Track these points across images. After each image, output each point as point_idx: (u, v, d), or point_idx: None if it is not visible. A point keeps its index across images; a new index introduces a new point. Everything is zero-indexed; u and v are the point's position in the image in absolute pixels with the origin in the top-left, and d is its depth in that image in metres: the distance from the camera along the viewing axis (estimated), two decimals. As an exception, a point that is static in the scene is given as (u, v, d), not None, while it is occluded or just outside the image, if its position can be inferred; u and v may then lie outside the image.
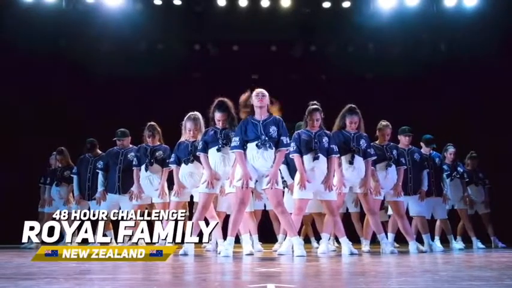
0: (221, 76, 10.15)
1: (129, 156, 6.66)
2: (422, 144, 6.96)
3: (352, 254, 5.50)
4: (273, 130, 5.03)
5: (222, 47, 10.35)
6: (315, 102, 5.71)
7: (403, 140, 6.54)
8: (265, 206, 7.00)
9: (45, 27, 9.41)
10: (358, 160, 5.76)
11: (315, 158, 5.40)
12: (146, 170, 6.24)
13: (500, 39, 9.30)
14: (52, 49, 9.60)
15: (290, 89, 10.23)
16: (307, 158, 5.44)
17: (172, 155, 5.85)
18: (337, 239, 6.61)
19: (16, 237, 7.94)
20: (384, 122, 6.32)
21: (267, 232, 7.34)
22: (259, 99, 5.09)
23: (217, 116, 5.44)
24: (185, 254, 5.32)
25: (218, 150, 5.33)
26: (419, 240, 6.55)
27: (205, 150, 5.40)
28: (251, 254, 5.38)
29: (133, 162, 6.38)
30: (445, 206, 7.01)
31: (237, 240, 5.58)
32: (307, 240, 7.34)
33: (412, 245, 6.10)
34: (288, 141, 5.13)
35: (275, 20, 9.81)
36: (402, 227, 6.13)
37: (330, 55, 10.23)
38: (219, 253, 5.24)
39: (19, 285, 2.75)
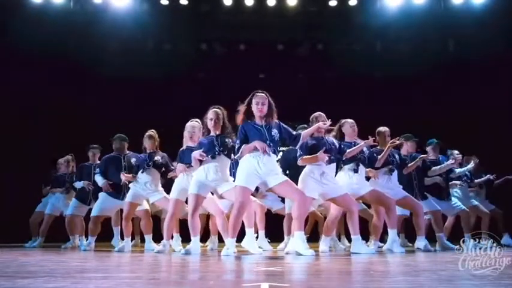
0: (228, 75, 10.17)
1: (132, 161, 6.66)
2: (430, 149, 6.89)
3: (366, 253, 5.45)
4: (275, 133, 5.04)
5: (229, 46, 10.37)
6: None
7: (408, 147, 6.50)
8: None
9: (53, 27, 9.48)
10: (362, 169, 5.78)
11: (331, 161, 5.37)
12: (142, 172, 6.30)
13: (509, 36, 9.21)
14: (59, 49, 9.67)
15: (297, 88, 10.23)
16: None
17: (179, 164, 5.88)
18: (348, 237, 6.58)
19: (23, 237, 8.12)
20: (382, 127, 6.26)
21: (273, 231, 7.32)
22: (259, 109, 5.03)
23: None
24: (187, 253, 5.34)
25: (213, 157, 5.33)
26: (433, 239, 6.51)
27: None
28: (258, 253, 5.36)
29: (134, 168, 6.46)
30: (454, 206, 6.90)
31: (239, 240, 5.58)
32: (310, 239, 7.33)
33: (421, 241, 6.06)
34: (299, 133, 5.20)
35: (281, 19, 9.82)
36: (415, 220, 6.07)
37: (336, 54, 10.21)
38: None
39: (17, 283, 2.77)
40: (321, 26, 10.16)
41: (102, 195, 6.79)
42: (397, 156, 6.15)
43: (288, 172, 6.03)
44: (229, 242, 5.06)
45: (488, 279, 2.87)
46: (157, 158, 6.35)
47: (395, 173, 6.06)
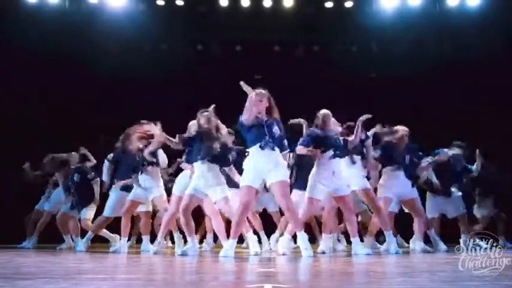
0: (224, 76, 10.14)
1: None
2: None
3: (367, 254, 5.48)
4: (275, 130, 5.04)
5: (225, 47, 10.34)
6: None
7: None
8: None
9: (49, 28, 9.44)
10: (358, 160, 5.85)
11: (336, 156, 5.38)
12: (141, 173, 6.29)
13: (504, 38, 9.26)
14: (56, 50, 9.63)
15: (293, 89, 10.22)
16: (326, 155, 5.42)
17: (185, 164, 5.90)
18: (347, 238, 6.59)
19: (14, 237, 8.06)
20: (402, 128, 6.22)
21: (269, 232, 7.31)
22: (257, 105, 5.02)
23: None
24: (183, 254, 5.33)
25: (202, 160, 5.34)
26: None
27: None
28: (257, 254, 5.35)
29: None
30: (457, 204, 6.87)
31: (241, 241, 5.59)
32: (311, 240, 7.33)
33: (418, 243, 6.09)
34: (287, 144, 5.18)
35: (278, 20, 9.79)
36: (417, 224, 6.13)
37: (332, 55, 10.22)
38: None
39: (16, 285, 2.76)
40: (317, 27, 10.16)
41: (113, 192, 6.74)
42: (407, 156, 6.15)
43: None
44: (230, 243, 5.02)
45: (488, 280, 2.89)
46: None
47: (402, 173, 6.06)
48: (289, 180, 5.14)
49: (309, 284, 2.91)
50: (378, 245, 6.46)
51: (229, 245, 5.02)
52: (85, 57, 9.64)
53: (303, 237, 5.02)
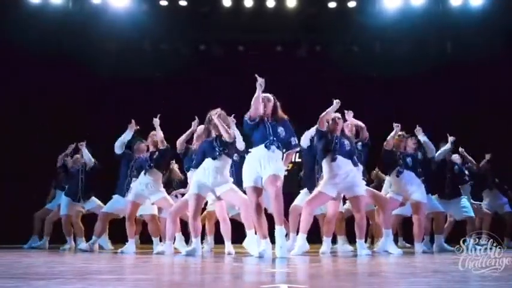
0: (226, 77, 10.15)
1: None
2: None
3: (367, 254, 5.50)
4: (281, 131, 4.98)
5: (227, 47, 10.35)
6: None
7: (410, 144, 6.53)
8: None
9: (52, 28, 9.45)
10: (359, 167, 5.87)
11: (333, 160, 5.42)
12: (145, 174, 6.26)
13: (505, 38, 9.30)
14: (58, 49, 9.63)
15: (295, 89, 10.23)
16: (326, 160, 5.48)
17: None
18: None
19: (18, 238, 8.04)
20: (405, 134, 6.28)
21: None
22: (263, 108, 4.99)
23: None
24: (189, 255, 5.31)
25: (214, 158, 5.34)
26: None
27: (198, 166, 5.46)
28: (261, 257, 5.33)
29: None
30: (463, 210, 6.77)
31: (239, 241, 5.59)
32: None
33: (419, 246, 6.12)
34: (296, 142, 5.15)
35: (280, 20, 9.81)
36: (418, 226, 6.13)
37: (335, 55, 10.24)
38: (229, 253, 5.51)
39: (31, 285, 2.75)
40: (320, 27, 10.19)
41: (115, 196, 6.70)
42: (409, 159, 6.15)
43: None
44: (264, 242, 4.88)
45: (499, 280, 2.89)
46: (156, 154, 6.28)
47: (405, 175, 6.04)
48: (282, 176, 4.94)
49: (324, 284, 2.91)
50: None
51: (265, 244, 4.85)
52: (85, 57, 9.63)
53: (281, 232, 4.79)
